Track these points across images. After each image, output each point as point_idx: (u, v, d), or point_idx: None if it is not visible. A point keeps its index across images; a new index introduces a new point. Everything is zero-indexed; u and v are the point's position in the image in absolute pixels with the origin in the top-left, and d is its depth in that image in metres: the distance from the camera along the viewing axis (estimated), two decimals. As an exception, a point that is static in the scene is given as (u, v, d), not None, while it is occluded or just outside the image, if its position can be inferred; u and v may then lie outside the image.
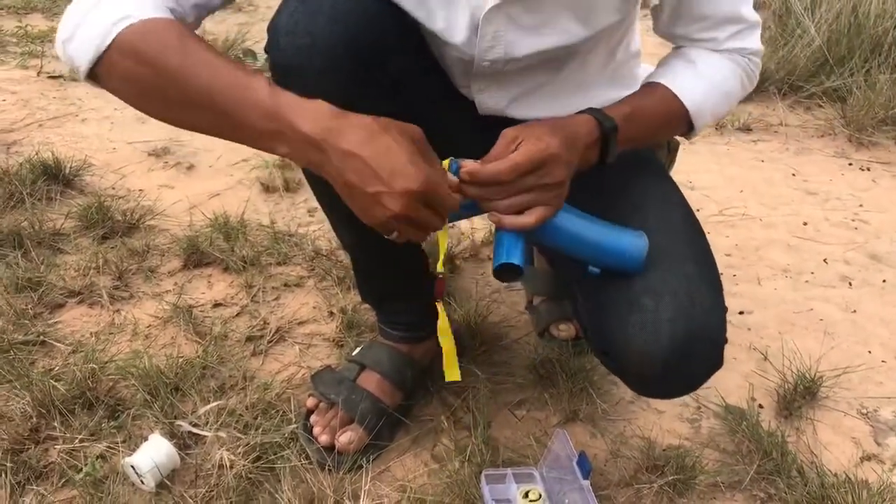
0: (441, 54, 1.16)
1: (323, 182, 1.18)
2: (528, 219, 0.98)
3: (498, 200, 0.98)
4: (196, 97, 0.88)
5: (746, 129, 2.61)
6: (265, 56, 1.08)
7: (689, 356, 1.02)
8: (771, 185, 2.26)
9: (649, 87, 1.16)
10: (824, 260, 1.92)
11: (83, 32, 0.91)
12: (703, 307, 1.03)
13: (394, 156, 0.86)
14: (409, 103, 1.17)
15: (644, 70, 1.31)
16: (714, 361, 1.06)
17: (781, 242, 1.99)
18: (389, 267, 1.32)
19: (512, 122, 1.22)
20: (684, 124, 1.16)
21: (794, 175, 2.33)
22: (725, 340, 1.06)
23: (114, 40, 0.89)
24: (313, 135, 0.86)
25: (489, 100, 1.19)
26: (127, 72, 0.91)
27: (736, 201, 2.12)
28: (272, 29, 1.04)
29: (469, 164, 0.98)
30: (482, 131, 1.26)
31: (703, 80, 1.15)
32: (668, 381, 1.07)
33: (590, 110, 1.07)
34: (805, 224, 2.07)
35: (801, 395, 1.47)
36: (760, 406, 1.47)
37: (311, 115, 0.86)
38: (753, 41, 1.18)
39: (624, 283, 1.05)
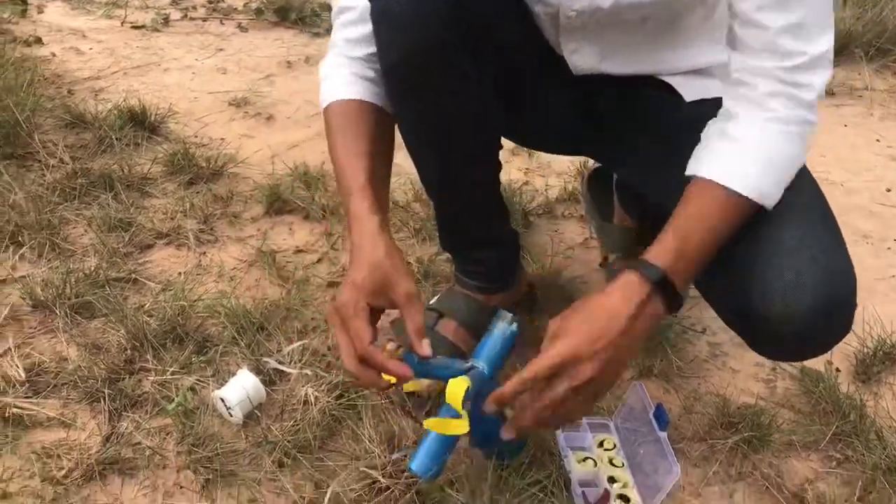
0: (533, 13, 1.16)
1: (412, 123, 1.21)
2: (552, 425, 1.07)
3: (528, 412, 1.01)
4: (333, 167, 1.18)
5: (829, 93, 2.54)
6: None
7: (828, 321, 1.02)
8: (854, 151, 2.21)
9: (696, 190, 1.03)
10: (908, 227, 1.88)
11: (321, 90, 1.22)
12: (842, 273, 1.03)
13: (350, 274, 1.08)
14: (509, 64, 1.18)
15: None
16: (847, 326, 1.06)
17: (863, 209, 1.95)
18: (472, 212, 1.34)
19: (608, 78, 1.22)
20: (752, 210, 1.02)
21: (878, 141, 2.27)
22: (856, 305, 1.05)
23: (324, 108, 1.21)
24: (354, 243, 1.10)
25: (581, 60, 1.20)
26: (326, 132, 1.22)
27: (818, 166, 2.07)
28: None
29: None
30: (579, 92, 1.27)
31: (754, 159, 1.01)
32: (803, 343, 1.06)
33: (635, 263, 1.01)
34: (888, 190, 2.02)
35: (881, 361, 1.46)
36: (837, 370, 1.46)
37: (361, 231, 1.09)
38: (816, 78, 1.00)
39: (763, 244, 1.03)
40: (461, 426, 1.04)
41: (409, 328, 1.04)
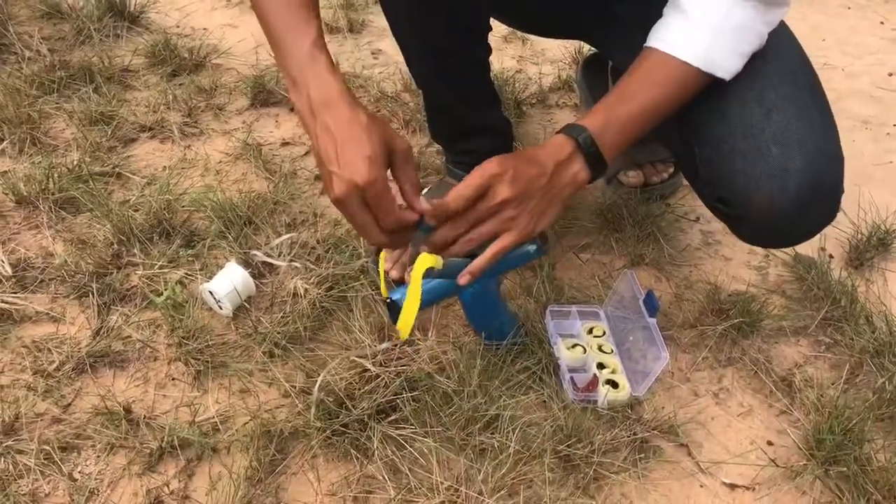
0: None
1: (403, 14, 1.16)
2: (487, 254, 1.01)
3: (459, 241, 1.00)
4: (262, 23, 0.98)
5: (834, -26, 2.46)
6: None
7: (813, 206, 1.02)
8: (856, 34, 2.15)
9: (640, 59, 1.03)
10: (908, 113, 1.84)
11: None
12: (829, 157, 1.01)
13: (358, 149, 0.89)
14: None
15: None
16: (833, 212, 1.05)
17: (864, 93, 1.90)
18: (463, 98, 1.31)
19: None
20: (700, 80, 1.01)
21: (882, 23, 2.20)
22: (843, 191, 1.04)
23: None
24: (314, 100, 0.92)
25: None
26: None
27: (818, 50, 2.02)
28: None
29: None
30: None
31: (701, 26, 1.00)
32: (788, 229, 1.06)
33: (565, 127, 1.02)
34: (890, 75, 1.97)
35: (874, 247, 1.45)
36: (831, 256, 1.45)
37: (323, 85, 0.92)
38: None
39: (749, 131, 1.01)
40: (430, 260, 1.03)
41: (406, 186, 0.97)
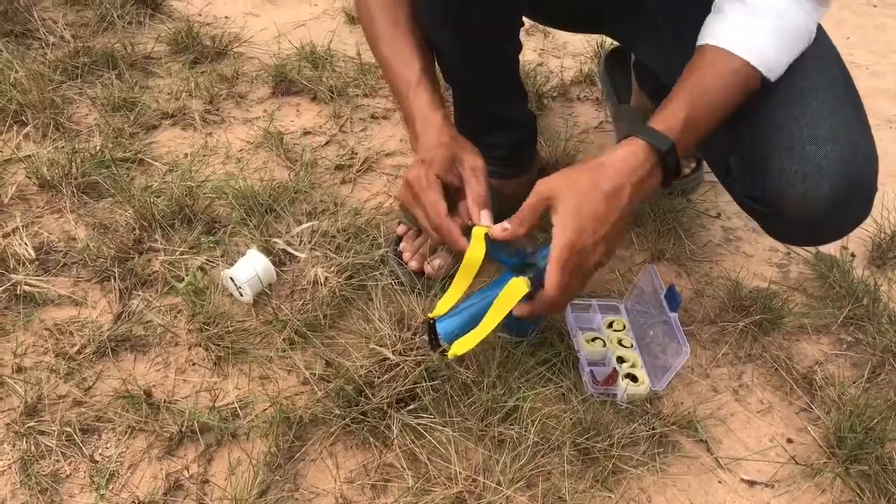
0: None
1: (437, 7, 1.15)
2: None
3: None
4: (377, 60, 1.18)
5: (859, -29, 2.43)
6: None
7: (847, 205, 1.01)
8: (882, 32, 2.13)
9: (707, 58, 1.00)
10: (933, 112, 1.83)
11: None
12: (864, 155, 1.00)
13: (418, 156, 1.06)
14: None
15: None
16: (866, 211, 1.04)
17: (889, 92, 1.89)
18: (492, 93, 1.30)
19: None
20: (757, 81, 1.00)
21: (908, 22, 2.18)
22: (877, 189, 1.03)
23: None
24: (417, 136, 1.10)
25: None
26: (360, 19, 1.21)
27: (843, 48, 1.98)
28: None
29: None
30: None
31: (765, 28, 0.98)
32: (822, 227, 1.04)
33: (643, 132, 0.96)
34: (915, 74, 1.96)
35: (898, 246, 1.44)
36: (853, 255, 1.44)
37: (422, 124, 1.09)
38: None
39: (785, 128, 1.00)
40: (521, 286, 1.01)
41: (469, 197, 1.03)
